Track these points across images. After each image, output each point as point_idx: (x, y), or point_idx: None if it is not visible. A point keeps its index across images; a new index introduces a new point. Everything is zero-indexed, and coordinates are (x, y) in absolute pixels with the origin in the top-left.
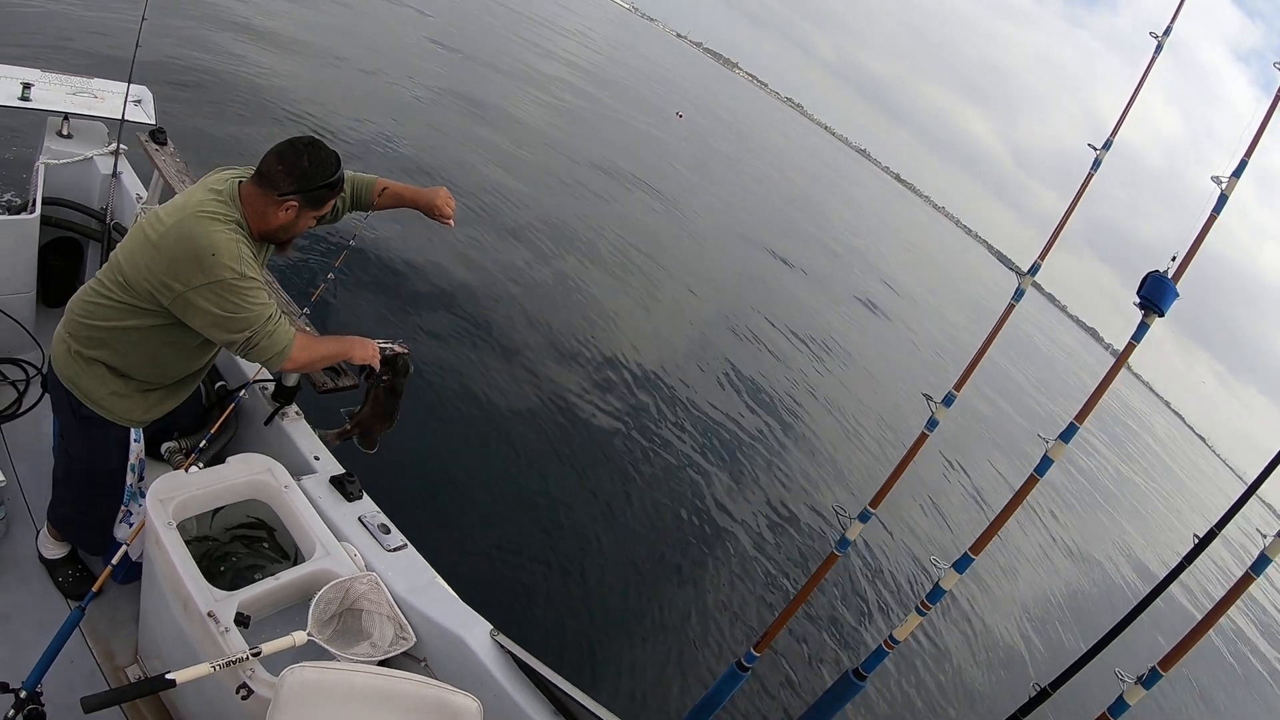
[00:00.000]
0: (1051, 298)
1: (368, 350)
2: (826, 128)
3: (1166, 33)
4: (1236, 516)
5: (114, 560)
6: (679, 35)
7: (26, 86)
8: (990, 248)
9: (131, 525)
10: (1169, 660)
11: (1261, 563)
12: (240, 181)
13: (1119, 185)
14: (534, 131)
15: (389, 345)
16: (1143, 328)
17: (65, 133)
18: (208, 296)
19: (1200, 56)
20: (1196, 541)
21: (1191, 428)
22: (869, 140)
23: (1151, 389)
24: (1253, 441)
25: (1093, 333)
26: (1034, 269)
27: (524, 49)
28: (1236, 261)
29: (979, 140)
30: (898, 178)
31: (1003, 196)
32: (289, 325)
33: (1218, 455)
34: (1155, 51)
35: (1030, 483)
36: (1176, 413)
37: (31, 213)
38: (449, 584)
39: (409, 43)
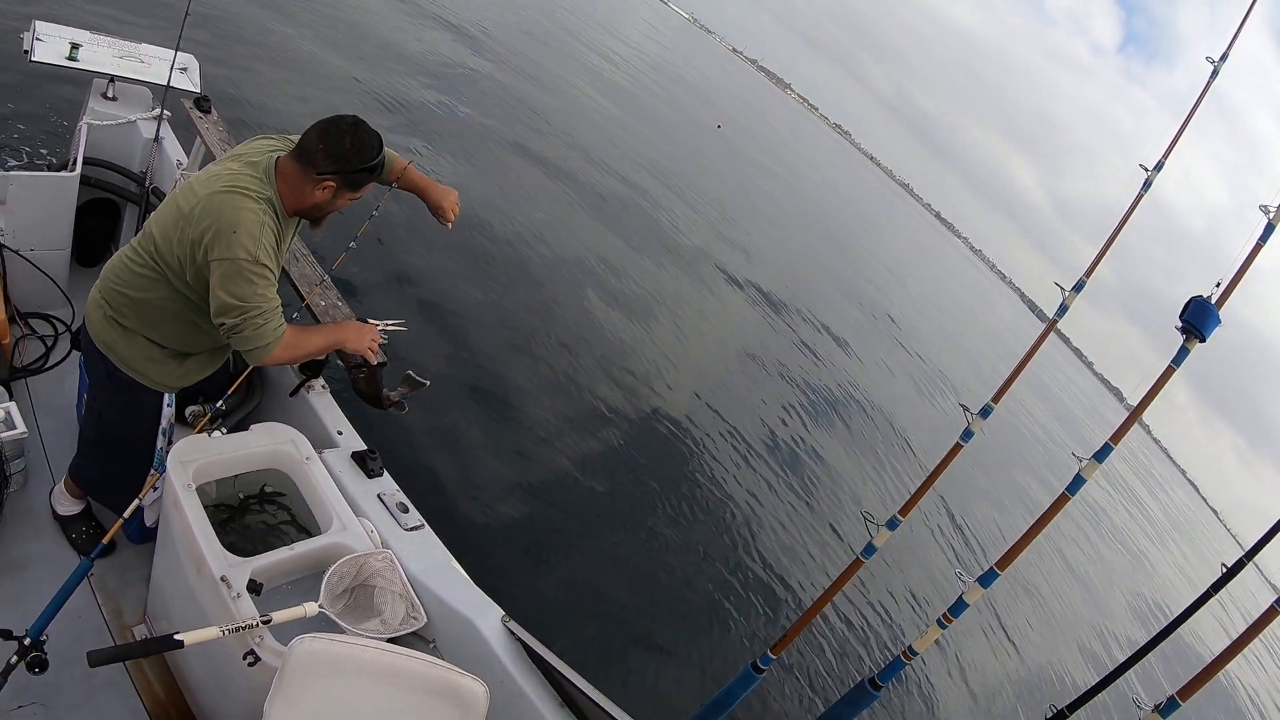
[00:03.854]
0: (1078, 352)
1: (364, 340)
2: (872, 158)
3: (1223, 59)
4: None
5: (126, 514)
6: (735, 50)
7: (75, 47)
8: (1023, 296)
9: (157, 489)
10: (1188, 690)
11: None
12: (278, 157)
13: (1158, 245)
14: (576, 127)
15: (387, 325)
16: (1183, 352)
17: (110, 95)
18: (219, 270)
19: (1252, 126)
20: (1224, 571)
21: (1205, 499)
22: (914, 176)
23: (1169, 456)
24: (1265, 517)
25: (1116, 393)
26: (1079, 286)
27: (583, 51)
28: (1266, 332)
29: (1023, 188)
30: (938, 216)
31: (1042, 247)
32: (279, 324)
33: (1228, 529)
34: (1210, 77)
35: (1061, 501)
36: (1192, 482)
37: (72, 171)
38: (464, 568)
39: (468, 32)
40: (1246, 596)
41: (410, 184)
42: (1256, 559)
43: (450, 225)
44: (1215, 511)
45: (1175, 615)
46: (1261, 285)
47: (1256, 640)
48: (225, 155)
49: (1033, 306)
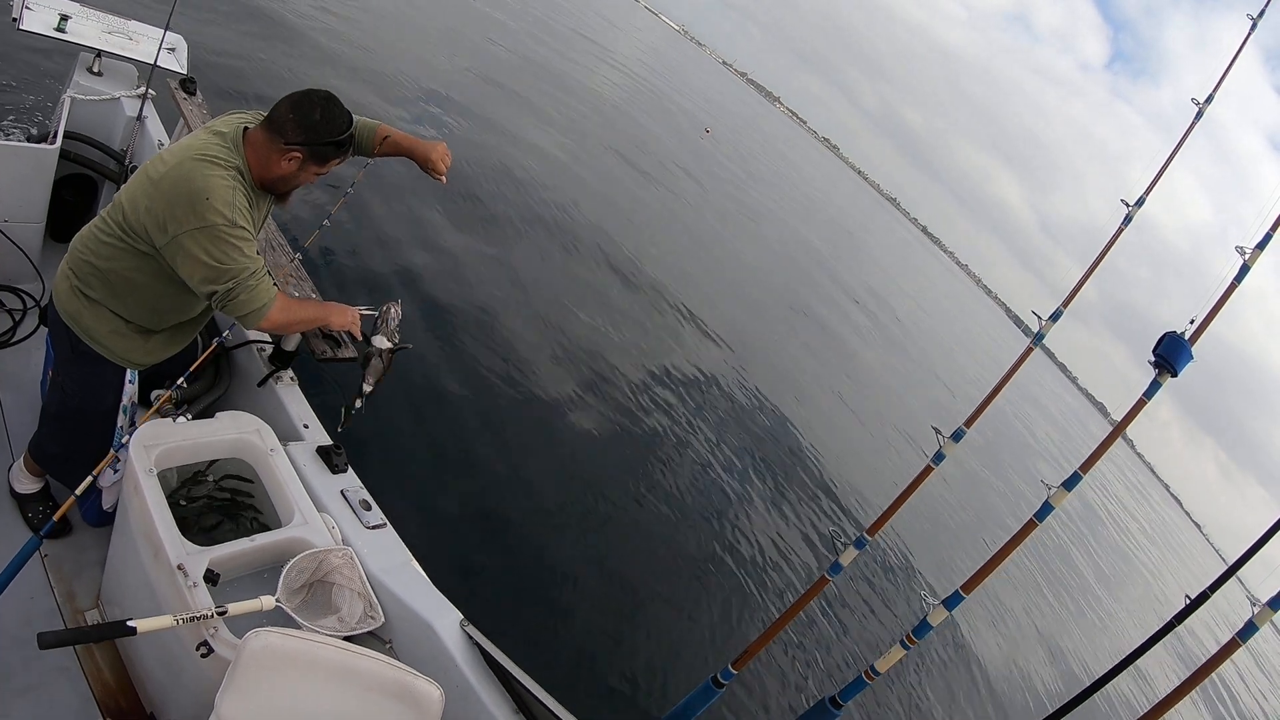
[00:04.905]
0: (1063, 367)
1: (346, 318)
2: (860, 171)
3: (1209, 100)
4: (1231, 581)
5: (78, 491)
6: (725, 63)
7: (64, 18)
8: (1008, 311)
9: (116, 469)
10: (1150, 718)
11: (1249, 630)
12: (247, 127)
13: (1143, 265)
14: (566, 131)
15: (373, 310)
16: (1155, 385)
17: (96, 70)
18: (197, 240)
19: (1238, 143)
20: (1188, 602)
21: (1189, 514)
22: (900, 190)
23: (1154, 472)
24: (1245, 533)
25: (1100, 408)
26: (1055, 315)
27: (572, 60)
28: (1248, 353)
29: (1009, 204)
30: (925, 230)
31: (1027, 264)
32: (271, 285)
33: (1211, 543)
34: (1195, 118)
35: (1029, 527)
36: (1175, 497)
37: (52, 144)
38: (425, 570)
39: (462, 33)
40: (1204, 629)
41: (394, 148)
42: (1224, 589)
43: (444, 179)
44: (1199, 526)
45: (1131, 650)
46: (1245, 306)
47: (1248, 662)
48: (197, 128)
49: (1018, 322)
